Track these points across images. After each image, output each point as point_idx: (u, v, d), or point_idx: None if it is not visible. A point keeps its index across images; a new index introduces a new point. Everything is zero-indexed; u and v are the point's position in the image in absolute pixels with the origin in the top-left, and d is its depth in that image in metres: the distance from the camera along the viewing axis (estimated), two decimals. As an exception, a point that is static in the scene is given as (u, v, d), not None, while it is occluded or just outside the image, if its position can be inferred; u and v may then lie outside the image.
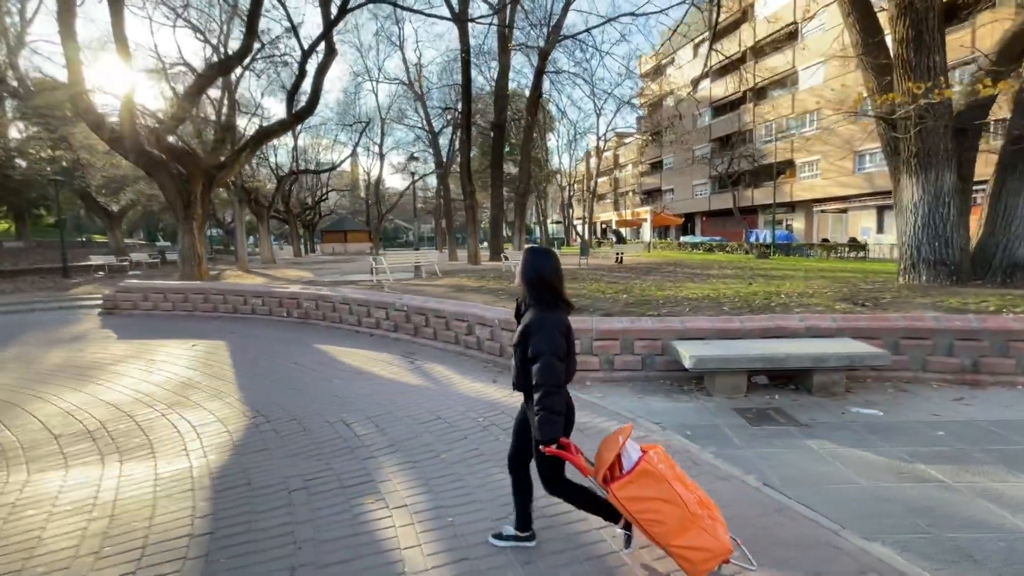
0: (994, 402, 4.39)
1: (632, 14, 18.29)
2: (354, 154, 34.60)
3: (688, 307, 6.27)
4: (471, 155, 23.33)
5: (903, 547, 2.45)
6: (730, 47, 38.11)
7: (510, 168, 32.86)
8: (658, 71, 46.09)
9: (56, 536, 2.70)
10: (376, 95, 67.23)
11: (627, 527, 2.30)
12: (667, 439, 3.75)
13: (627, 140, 55.06)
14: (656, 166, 52.31)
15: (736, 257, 23.45)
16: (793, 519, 2.68)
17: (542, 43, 20.97)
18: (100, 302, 10.28)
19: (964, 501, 2.85)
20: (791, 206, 34.87)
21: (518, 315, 2.37)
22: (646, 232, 39.29)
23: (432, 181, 44.09)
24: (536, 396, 2.10)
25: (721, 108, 40.72)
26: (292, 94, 14.72)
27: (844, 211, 31.13)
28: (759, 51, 36.12)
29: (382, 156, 35.58)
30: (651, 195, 53.38)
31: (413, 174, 22.29)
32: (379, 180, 37.19)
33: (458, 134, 31.00)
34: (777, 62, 34.36)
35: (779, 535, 2.53)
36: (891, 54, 6.94)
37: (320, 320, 8.61)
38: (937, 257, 6.83)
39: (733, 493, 2.94)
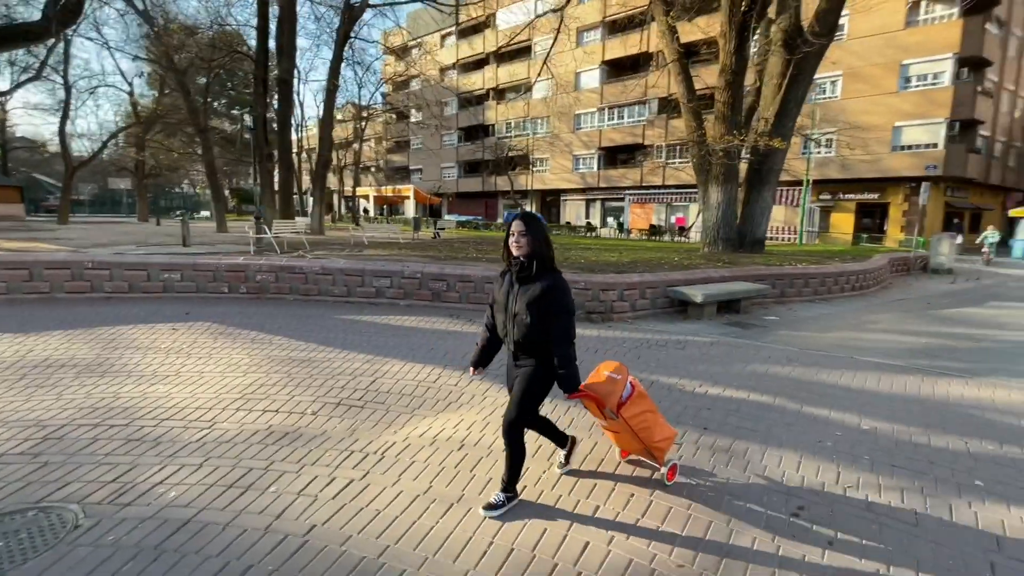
0: (804, 309, 8.63)
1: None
2: (38, 77, 23.68)
3: (644, 268, 8.98)
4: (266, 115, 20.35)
5: (859, 352, 5.67)
6: (475, 46, 42.64)
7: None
8: (405, 51, 47.39)
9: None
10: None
11: (569, 453, 2.93)
12: (727, 340, 6.30)
13: (364, 114, 54.51)
14: (403, 144, 53.93)
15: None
16: (837, 358, 5.61)
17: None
18: None
19: (873, 337, 6.39)
20: (525, 193, 42.41)
21: (523, 278, 2.40)
22: (410, 209, 40.82)
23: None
24: (563, 350, 2.37)
25: (467, 101, 45.20)
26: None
27: (563, 201, 40.09)
28: (501, 56, 41.71)
29: (68, 87, 25.90)
30: (398, 172, 54.82)
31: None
32: (65, 119, 26.65)
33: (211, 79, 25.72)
34: (517, 69, 40.65)
35: (839, 365, 5.41)
36: (705, 108, 11.15)
37: (284, 294, 7.67)
38: (727, 236, 11.57)
39: (806, 356, 5.72)
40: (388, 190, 40.16)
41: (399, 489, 2.75)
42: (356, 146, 44.13)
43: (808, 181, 24.15)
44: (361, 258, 9.51)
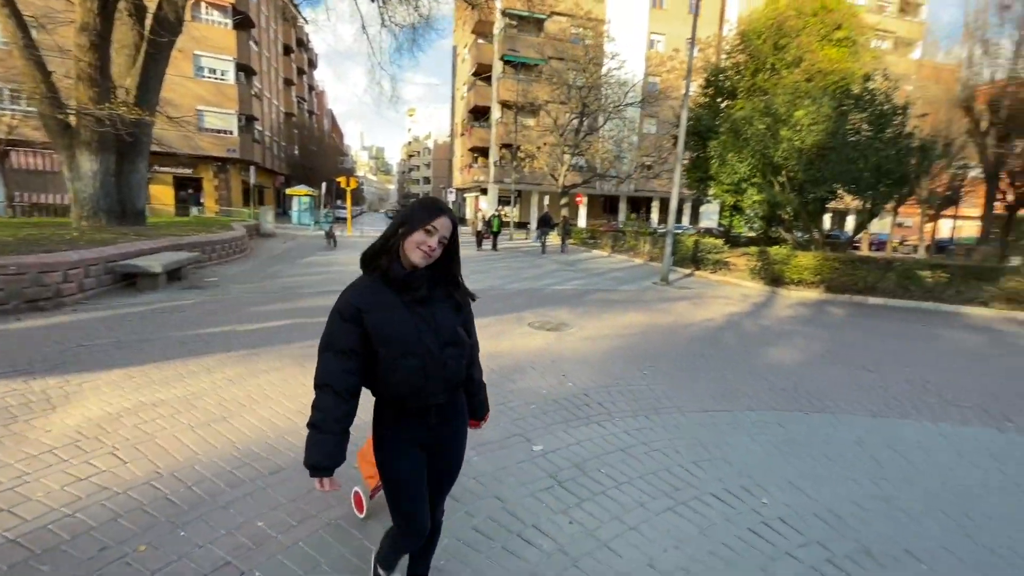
0: (221, 270, 10.28)
1: None
2: None
3: (66, 246, 7.64)
4: None
5: (306, 287, 8.59)
6: None
7: None
8: None
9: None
10: None
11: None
12: (205, 299, 7.46)
13: None
14: None
15: None
16: (305, 294, 8.12)
17: None
18: None
19: (301, 280, 9.12)
20: None
21: (439, 293, 1.62)
22: None
23: None
24: (480, 373, 1.86)
25: None
26: None
27: None
28: None
29: None
30: None
31: None
32: None
33: None
34: None
35: (311, 295, 8.04)
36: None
37: None
38: (109, 208, 10.70)
39: (281, 297, 7.84)
40: None
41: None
42: None
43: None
44: None
